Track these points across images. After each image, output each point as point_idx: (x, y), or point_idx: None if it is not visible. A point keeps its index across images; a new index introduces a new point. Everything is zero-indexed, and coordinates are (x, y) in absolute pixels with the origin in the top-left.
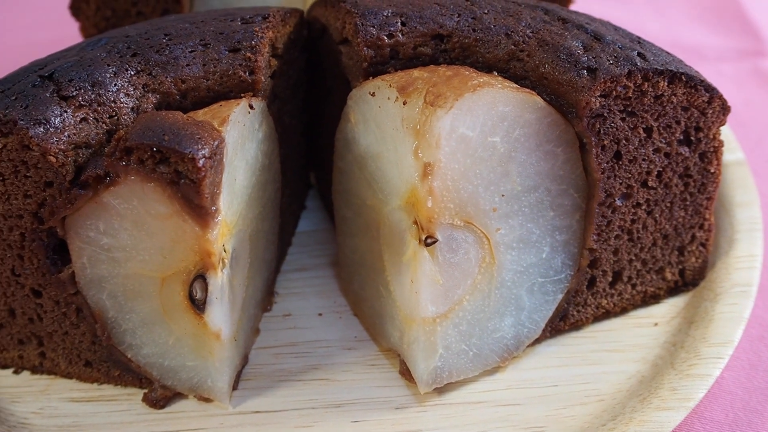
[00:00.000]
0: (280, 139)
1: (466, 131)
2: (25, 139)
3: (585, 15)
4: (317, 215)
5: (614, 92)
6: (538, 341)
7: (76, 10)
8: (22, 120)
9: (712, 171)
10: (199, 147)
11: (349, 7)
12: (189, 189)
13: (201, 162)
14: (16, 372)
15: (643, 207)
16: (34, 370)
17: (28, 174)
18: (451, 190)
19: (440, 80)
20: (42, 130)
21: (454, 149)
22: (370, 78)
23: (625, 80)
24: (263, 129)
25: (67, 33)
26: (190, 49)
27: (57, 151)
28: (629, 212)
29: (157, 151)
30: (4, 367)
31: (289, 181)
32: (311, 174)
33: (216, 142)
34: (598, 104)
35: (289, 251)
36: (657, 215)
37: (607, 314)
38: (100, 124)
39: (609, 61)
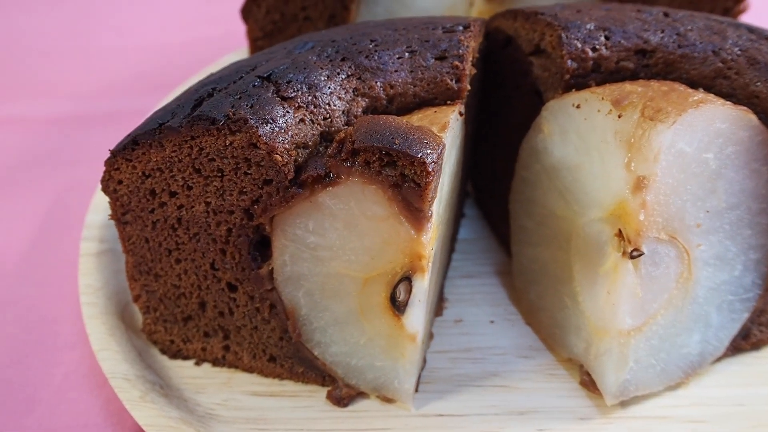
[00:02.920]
0: (464, 139)
1: (684, 146)
2: (253, 138)
3: None
4: (476, 223)
5: None
6: (719, 359)
7: (247, 12)
8: (251, 118)
9: None
10: (429, 151)
11: (550, 20)
12: (412, 192)
13: (431, 166)
14: (197, 364)
15: None
16: (216, 363)
17: (248, 171)
18: (662, 204)
19: (657, 95)
20: (269, 129)
21: (670, 164)
22: (573, 90)
23: None
24: (460, 136)
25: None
26: (397, 56)
27: (282, 150)
28: None
29: (386, 153)
30: (186, 358)
31: (460, 188)
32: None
33: (441, 147)
34: None
35: (452, 257)
36: None
37: None
38: (315, 125)
39: None
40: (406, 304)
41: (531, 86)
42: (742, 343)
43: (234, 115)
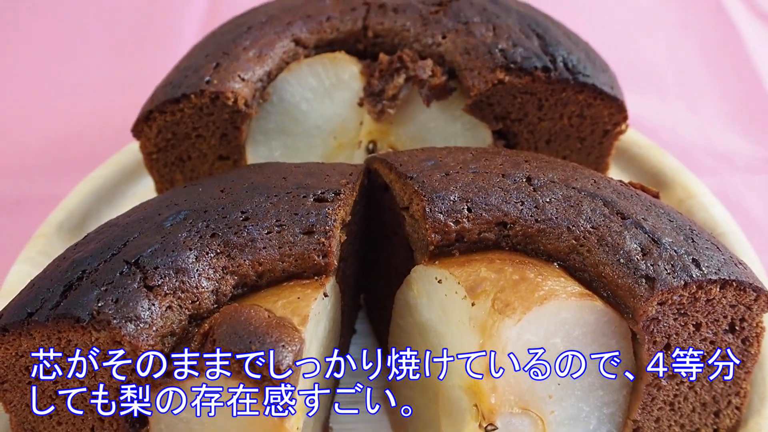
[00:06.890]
0: (342, 292)
1: (531, 337)
2: (117, 337)
3: (641, 202)
4: (366, 341)
5: (670, 301)
6: None
7: (137, 132)
8: (115, 318)
9: (753, 351)
10: (285, 355)
11: (417, 188)
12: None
13: (286, 371)
14: None
15: (686, 384)
16: None
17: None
18: (513, 384)
19: (508, 285)
20: (133, 327)
21: (518, 352)
22: (436, 261)
23: (681, 291)
24: (331, 301)
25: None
26: (266, 231)
27: (147, 347)
28: (673, 389)
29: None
30: None
31: (345, 316)
32: (361, 295)
33: (298, 347)
34: (653, 311)
35: (340, 382)
36: (698, 389)
37: None
38: (183, 310)
39: (666, 270)
40: None
41: (405, 238)
42: None
43: (98, 315)
